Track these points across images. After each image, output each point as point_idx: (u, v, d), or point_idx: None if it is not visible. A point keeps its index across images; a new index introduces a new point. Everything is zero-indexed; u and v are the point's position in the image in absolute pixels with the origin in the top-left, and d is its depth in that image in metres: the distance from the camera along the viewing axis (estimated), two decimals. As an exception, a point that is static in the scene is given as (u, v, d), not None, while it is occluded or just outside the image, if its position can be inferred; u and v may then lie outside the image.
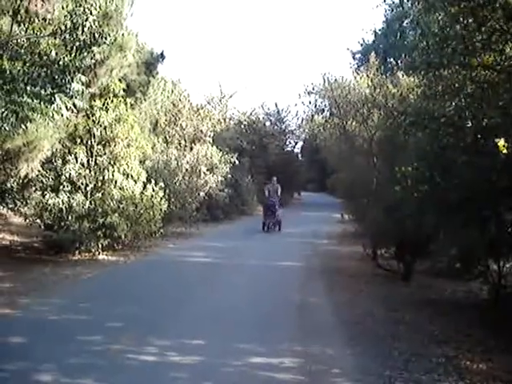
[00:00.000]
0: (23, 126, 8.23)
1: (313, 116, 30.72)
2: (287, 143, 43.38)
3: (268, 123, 40.36)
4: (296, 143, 46.25)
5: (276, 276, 12.10)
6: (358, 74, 21.41)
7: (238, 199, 27.89)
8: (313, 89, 25.90)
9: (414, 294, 10.77)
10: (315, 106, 26.96)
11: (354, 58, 44.64)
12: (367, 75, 18.96)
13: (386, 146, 13.22)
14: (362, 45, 43.80)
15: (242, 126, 36.39)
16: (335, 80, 22.87)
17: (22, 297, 9.03)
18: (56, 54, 7.44)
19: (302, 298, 10.00)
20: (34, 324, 7.38)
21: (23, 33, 7.46)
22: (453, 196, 8.11)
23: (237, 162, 25.16)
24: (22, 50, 7.12)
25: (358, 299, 10.18)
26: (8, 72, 6.90)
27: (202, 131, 25.88)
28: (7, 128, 7.86)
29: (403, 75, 14.47)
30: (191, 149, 23.32)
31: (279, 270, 12.90)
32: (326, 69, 28.36)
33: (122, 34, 13.28)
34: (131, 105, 15.41)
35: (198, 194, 21.83)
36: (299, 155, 49.76)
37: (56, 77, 7.24)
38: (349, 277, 12.56)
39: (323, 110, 26.15)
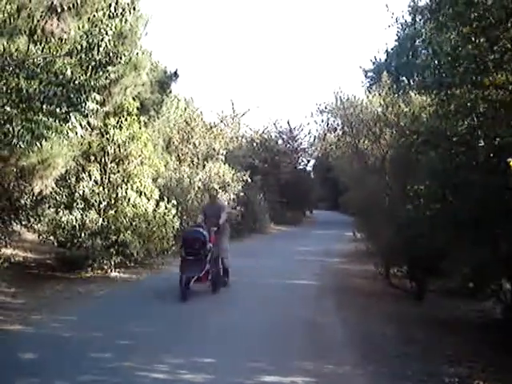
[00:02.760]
0: (38, 144, 8.32)
1: (325, 134, 30.86)
2: (299, 161, 43.39)
3: (280, 141, 40.46)
4: (308, 161, 46.26)
5: (288, 294, 12.07)
6: (370, 92, 21.49)
7: (250, 217, 27.86)
8: (325, 107, 26.07)
9: (427, 313, 10.72)
10: (327, 124, 27.12)
11: (366, 76, 44.87)
12: (379, 94, 19.01)
13: (399, 164, 13.22)
14: (374, 63, 44.02)
15: (255, 144, 36.51)
16: (347, 99, 22.97)
17: (35, 313, 9.07)
18: (71, 73, 7.53)
19: (314, 317, 9.97)
20: (45, 340, 7.41)
21: (39, 52, 7.56)
22: (465, 215, 8.10)
23: (249, 180, 25.22)
24: (38, 69, 7.20)
25: (369, 318, 10.14)
26: (24, 91, 7.02)
27: (214, 149, 25.99)
28: (22, 146, 7.94)
29: (415, 94, 14.48)
30: (204, 166, 23.42)
31: (291, 289, 12.87)
32: (338, 87, 28.61)
33: (137, 54, 13.41)
34: (145, 123, 15.55)
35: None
36: (311, 173, 49.75)
37: (71, 95, 7.33)
38: (361, 295, 12.52)
39: (335, 129, 26.25)
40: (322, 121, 28.04)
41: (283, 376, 6.49)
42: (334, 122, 26.16)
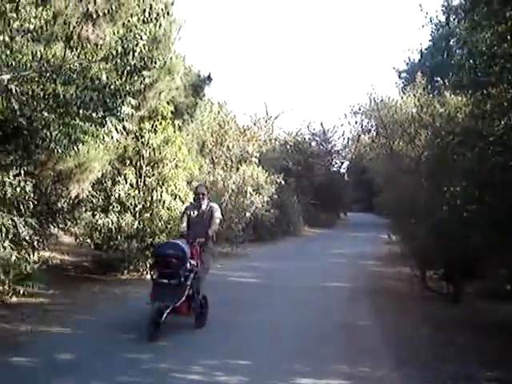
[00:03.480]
0: (75, 148, 8.49)
1: (359, 136, 30.70)
2: (333, 163, 43.27)
3: (314, 143, 40.38)
4: (342, 163, 46.12)
5: (322, 296, 12.04)
6: (404, 93, 21.31)
7: (284, 220, 27.84)
8: (359, 109, 25.94)
9: (463, 316, 10.58)
10: (361, 125, 26.96)
11: (399, 77, 44.38)
12: (414, 95, 18.84)
13: (434, 165, 13.07)
14: (407, 64, 43.53)
15: (288, 147, 36.51)
16: (381, 100, 22.81)
17: (72, 314, 9.21)
18: (107, 78, 7.64)
19: (349, 319, 9.92)
20: (82, 341, 7.52)
21: (75, 58, 7.68)
22: (502, 215, 7.98)
23: (283, 183, 25.21)
24: (75, 75, 7.32)
25: (405, 320, 10.05)
26: (61, 96, 7.15)
27: (248, 152, 26.05)
28: (60, 150, 8.11)
29: (451, 94, 14.33)
30: (237, 169, 23.47)
31: (325, 291, 12.83)
32: (371, 88, 28.34)
33: (171, 58, 13.57)
34: (179, 127, 15.64)
35: (244, 215, 21.91)
36: (345, 175, 49.51)
37: (107, 100, 7.44)
38: (396, 298, 12.42)
39: (370, 130, 26.13)
40: (356, 122, 27.93)
41: (318, 379, 6.48)
42: (367, 123, 26.02)
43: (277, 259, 18.55)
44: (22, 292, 9.80)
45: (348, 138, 40.16)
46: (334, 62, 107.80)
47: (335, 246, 23.86)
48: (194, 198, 9.56)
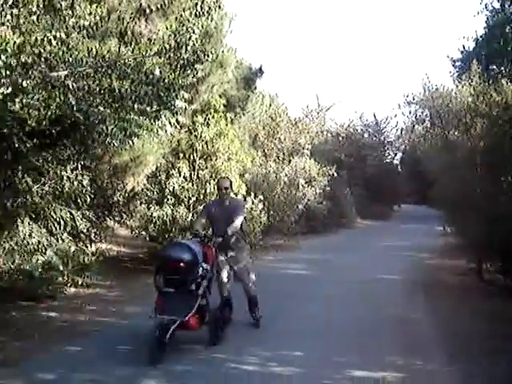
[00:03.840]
0: (130, 142, 8.64)
1: (413, 126, 30.18)
2: (386, 155, 42.72)
3: (366, 135, 39.98)
4: (395, 154, 45.48)
5: (374, 290, 11.92)
6: (459, 82, 20.82)
7: (337, 212, 27.69)
8: (413, 98, 25.45)
9: (523, 310, 10.30)
10: (415, 116, 26.47)
11: (454, 65, 43.42)
12: (469, 83, 18.40)
13: (491, 155, 12.76)
14: (462, 52, 42.54)
15: (340, 138, 36.27)
16: (436, 89, 22.34)
17: (128, 305, 9.41)
18: (160, 72, 7.73)
19: (402, 312, 9.80)
20: (138, 331, 7.65)
21: (130, 53, 7.80)
22: None
23: (335, 175, 25.07)
24: (129, 70, 7.42)
25: (459, 314, 9.86)
26: (117, 90, 7.27)
27: (300, 144, 26.00)
28: (116, 144, 8.27)
29: (507, 82, 13.94)
30: (289, 162, 23.46)
31: (378, 284, 12.70)
32: (425, 77, 27.67)
33: (222, 51, 13.66)
34: (231, 120, 15.73)
35: (297, 207, 21.90)
36: (399, 167, 48.83)
37: (161, 94, 7.53)
38: (451, 291, 12.20)
39: (424, 120, 25.62)
40: (410, 112, 27.35)
41: (372, 371, 6.43)
42: (421, 113, 25.49)
43: (329, 251, 18.47)
44: (80, 283, 10.07)
45: (401, 129, 39.57)
46: (387, 52, 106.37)
47: (388, 238, 23.57)
48: (218, 192, 8.36)
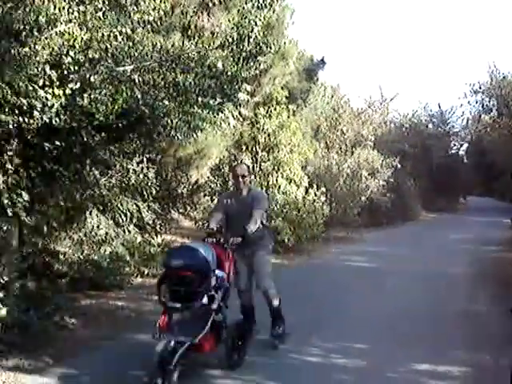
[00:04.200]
0: (194, 135, 8.76)
1: (479, 116, 29.42)
2: (451, 145, 41.74)
3: (431, 125, 39.14)
4: (461, 145, 44.36)
5: (439, 282, 11.69)
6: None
7: (401, 204, 27.27)
8: (479, 87, 24.83)
9: None
10: (482, 105, 25.80)
11: (523, 52, 42.05)
12: (540, 70, 17.80)
13: None
14: (532, 38, 41.14)
15: (404, 129, 35.69)
16: (503, 77, 21.71)
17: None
18: (223, 65, 7.80)
19: (468, 305, 9.60)
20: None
21: (193, 47, 7.90)
22: None
23: (398, 166, 24.73)
24: (193, 63, 7.52)
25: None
26: (181, 84, 7.39)
27: (362, 135, 25.76)
28: (180, 137, 8.39)
29: None
30: (352, 153, 23.28)
31: (443, 277, 12.44)
32: (492, 65, 26.85)
33: (284, 43, 13.64)
34: (293, 111, 15.74)
35: (360, 199, 21.74)
36: (464, 158, 47.65)
37: (225, 87, 7.61)
38: (521, 285, 11.85)
39: (491, 110, 24.96)
40: (476, 102, 26.73)
41: (437, 365, 6.33)
42: (489, 102, 24.82)
43: (393, 244, 18.24)
44: (145, 273, 10.30)
45: (467, 119, 38.61)
46: (452, 40, 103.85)
47: (454, 230, 23.06)
48: (234, 182, 6.95)
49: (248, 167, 7.05)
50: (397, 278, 12.03)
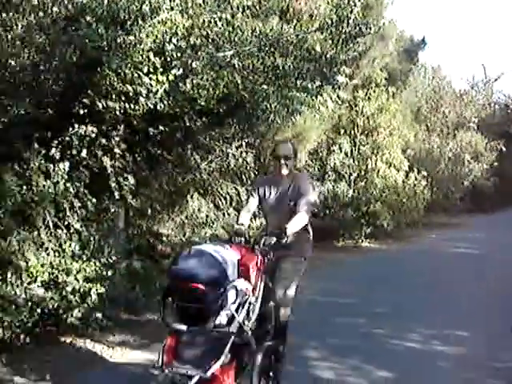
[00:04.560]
0: (293, 119, 8.79)
1: None
2: None
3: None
4: None
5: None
6: None
7: (505, 189, 26.17)
8: None
9: None
10: None
11: None
12: None
13: None
14: None
15: (509, 111, 34.17)
16: None
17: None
18: (321, 48, 7.76)
19: None
20: (299, 303, 7.77)
21: (292, 30, 7.92)
22: None
23: (503, 149, 23.78)
24: (292, 47, 7.55)
25: None
26: (280, 68, 7.43)
27: (465, 118, 24.94)
28: (279, 121, 8.46)
29: None
30: (454, 136, 22.61)
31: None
32: None
33: (383, 23, 13.37)
34: (392, 94, 15.45)
35: (462, 184, 21.12)
36: None
37: (324, 70, 7.60)
38: None
39: None
40: None
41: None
42: None
43: (497, 230, 17.57)
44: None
45: None
46: None
47: None
48: (274, 162, 5.04)
49: (294, 147, 5.15)
50: (500, 265, 11.60)
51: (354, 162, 13.60)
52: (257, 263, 4.43)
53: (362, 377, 5.31)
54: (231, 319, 4.03)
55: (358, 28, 7.72)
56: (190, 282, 3.85)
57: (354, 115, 13.74)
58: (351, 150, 13.66)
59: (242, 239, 4.66)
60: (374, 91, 14.03)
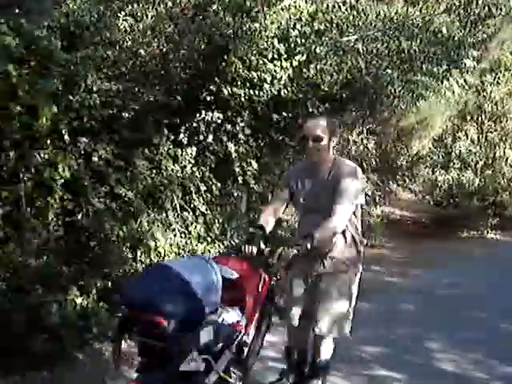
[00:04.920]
0: (417, 104, 8.59)
1: None
2: None
3: None
4: None
5: None
6: None
7: None
8: None
9: None
10: None
11: None
12: None
13: None
14: None
15: None
16: None
17: (410, 267, 9.39)
18: (448, 30, 7.53)
19: None
20: (422, 294, 7.60)
21: (417, 13, 7.75)
22: None
23: None
24: (417, 30, 7.38)
25: None
26: (405, 52, 7.29)
27: None
28: (403, 107, 8.31)
29: None
30: None
31: None
32: None
33: (511, 5, 12.74)
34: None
35: None
36: None
37: (451, 53, 7.37)
38: None
39: None
40: None
41: None
42: None
43: None
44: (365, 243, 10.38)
45: None
46: None
47: None
48: (309, 148, 3.63)
49: (331, 124, 3.71)
50: None
51: (480, 149, 13.09)
52: (257, 286, 3.41)
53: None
54: (208, 366, 2.83)
55: (487, 9, 7.45)
56: (146, 314, 2.66)
57: (482, 100, 13.19)
58: (478, 137, 13.17)
59: (255, 249, 3.51)
60: (504, 75, 13.40)
